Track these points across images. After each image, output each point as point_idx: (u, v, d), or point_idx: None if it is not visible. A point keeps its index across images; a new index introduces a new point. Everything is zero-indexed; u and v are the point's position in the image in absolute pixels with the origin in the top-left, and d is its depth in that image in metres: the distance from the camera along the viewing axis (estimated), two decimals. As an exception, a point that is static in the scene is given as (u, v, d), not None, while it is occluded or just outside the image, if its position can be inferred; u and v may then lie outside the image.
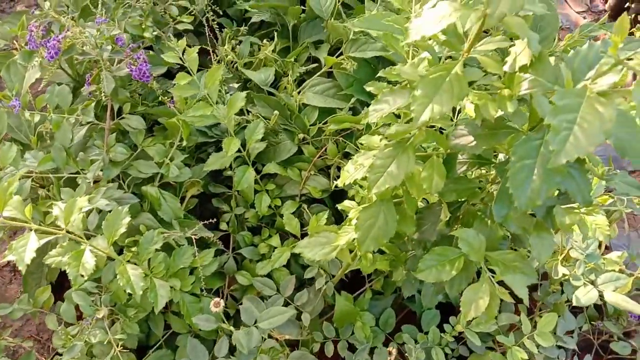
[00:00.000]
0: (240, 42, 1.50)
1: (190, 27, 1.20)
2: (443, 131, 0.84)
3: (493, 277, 0.80)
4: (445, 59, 0.82)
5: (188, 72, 1.11)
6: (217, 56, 1.44)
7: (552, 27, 1.44)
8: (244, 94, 1.16)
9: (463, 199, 0.86)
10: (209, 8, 1.23)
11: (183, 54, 1.08)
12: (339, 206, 1.00)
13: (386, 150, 0.77)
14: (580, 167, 0.70)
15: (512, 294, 0.82)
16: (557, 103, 0.56)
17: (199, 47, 1.50)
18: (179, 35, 1.24)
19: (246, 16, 1.63)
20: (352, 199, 1.19)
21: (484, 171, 0.84)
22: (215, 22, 1.38)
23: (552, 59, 0.67)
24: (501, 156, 0.82)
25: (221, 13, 1.47)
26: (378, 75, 0.87)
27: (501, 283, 0.82)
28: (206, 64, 1.47)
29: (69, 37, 0.97)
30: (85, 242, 0.92)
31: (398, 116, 0.86)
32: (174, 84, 1.09)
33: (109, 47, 1.00)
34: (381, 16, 1.08)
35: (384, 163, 0.77)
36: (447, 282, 0.85)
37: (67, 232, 0.90)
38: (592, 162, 0.70)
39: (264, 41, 1.52)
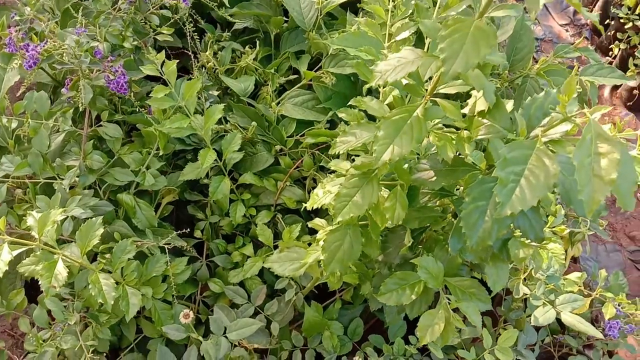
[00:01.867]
0: (223, 47, 1.51)
1: (170, 38, 1.21)
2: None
3: (450, 303, 0.84)
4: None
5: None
6: (198, 61, 1.45)
7: (528, 49, 1.48)
8: (221, 106, 1.18)
9: (426, 226, 0.89)
10: (190, 18, 1.24)
11: (162, 67, 1.09)
12: (310, 224, 1.03)
13: (352, 180, 0.80)
14: (534, 206, 0.74)
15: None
16: (506, 155, 0.59)
17: (180, 51, 1.52)
18: (160, 48, 1.25)
19: (230, 20, 1.63)
20: (326, 211, 1.22)
21: (446, 200, 0.88)
22: (198, 28, 1.39)
23: (508, 106, 0.70)
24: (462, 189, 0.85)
25: (204, 20, 1.48)
26: (349, 103, 0.90)
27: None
28: (188, 68, 1.48)
29: (47, 48, 0.98)
30: (58, 253, 0.94)
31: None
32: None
33: (87, 59, 1.01)
34: (359, 34, 1.10)
35: (349, 192, 0.80)
36: (408, 305, 0.89)
37: (41, 242, 0.92)
38: (543, 202, 0.73)
39: (247, 48, 1.53)
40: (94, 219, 0.98)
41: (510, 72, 1.43)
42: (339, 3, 1.41)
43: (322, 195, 0.88)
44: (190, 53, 1.41)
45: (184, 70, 1.56)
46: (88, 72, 1.10)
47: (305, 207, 1.38)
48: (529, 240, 0.79)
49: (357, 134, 0.78)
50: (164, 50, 1.09)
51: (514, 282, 1.21)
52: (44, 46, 0.99)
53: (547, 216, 1.00)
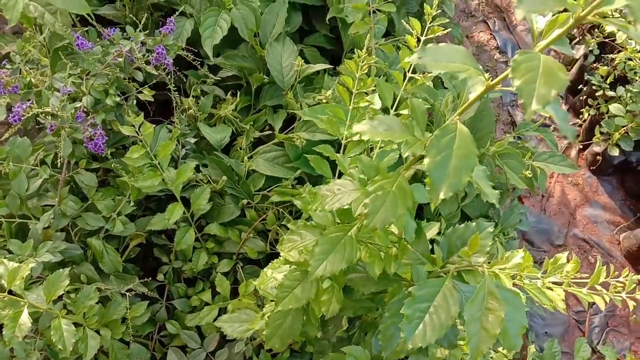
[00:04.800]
0: (206, 94, 1.59)
1: (151, 98, 1.29)
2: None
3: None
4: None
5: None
6: (180, 105, 1.53)
7: (488, 129, 1.58)
8: (193, 164, 1.26)
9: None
10: (171, 75, 1.32)
11: (139, 128, 1.17)
12: (261, 292, 1.12)
13: (294, 273, 0.89)
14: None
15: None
16: (415, 293, 0.68)
17: (166, 89, 1.59)
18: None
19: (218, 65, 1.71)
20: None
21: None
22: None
23: (431, 232, 0.80)
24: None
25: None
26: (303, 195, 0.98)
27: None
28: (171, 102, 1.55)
29: (33, 107, 1.05)
30: (25, 301, 1.02)
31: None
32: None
33: (69, 121, 1.08)
34: (329, 107, 1.19)
35: (291, 285, 0.89)
36: (338, 384, 0.98)
37: (9, 292, 1.00)
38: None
39: (228, 95, 1.62)
40: (61, 270, 1.06)
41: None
42: (316, 70, 1.50)
43: (270, 276, 0.97)
44: (172, 96, 1.48)
45: (167, 104, 1.64)
46: (70, 123, 1.18)
47: (267, 256, 1.48)
48: (445, 344, 0.89)
49: (302, 235, 0.87)
50: (142, 114, 1.17)
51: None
52: (29, 105, 1.07)
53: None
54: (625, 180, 2.46)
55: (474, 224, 0.80)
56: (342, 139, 1.02)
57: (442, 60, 0.54)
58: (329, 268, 0.76)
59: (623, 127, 2.27)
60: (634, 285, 0.78)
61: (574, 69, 2.67)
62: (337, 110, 1.00)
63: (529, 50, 0.49)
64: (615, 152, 2.29)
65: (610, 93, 2.36)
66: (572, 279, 0.80)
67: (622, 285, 0.81)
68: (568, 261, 0.84)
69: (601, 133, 2.38)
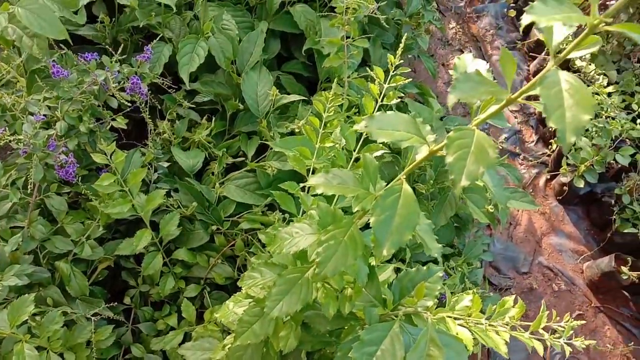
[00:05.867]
0: (182, 117, 1.61)
1: (125, 126, 1.31)
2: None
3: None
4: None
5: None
6: (155, 129, 1.55)
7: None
8: (163, 191, 1.28)
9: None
10: (146, 103, 1.35)
11: (111, 156, 1.19)
12: (224, 322, 1.14)
13: (254, 309, 0.92)
14: None
15: None
16: (363, 337, 0.72)
17: (139, 121, 1.61)
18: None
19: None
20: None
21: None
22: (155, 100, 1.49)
23: (383, 276, 0.84)
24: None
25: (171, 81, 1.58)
26: (267, 230, 1.02)
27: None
28: (145, 132, 1.58)
29: (5, 134, 1.07)
30: (-13, 326, 1.03)
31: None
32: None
33: (40, 149, 1.10)
34: (300, 140, 1.23)
35: (250, 320, 0.91)
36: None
37: (-29, 317, 1.01)
38: None
39: (203, 119, 1.65)
40: (26, 295, 1.07)
41: (436, 182, 1.58)
42: (291, 100, 1.54)
43: (231, 309, 1.00)
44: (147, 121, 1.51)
45: (143, 124, 1.66)
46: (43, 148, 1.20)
47: (235, 281, 1.51)
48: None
49: (262, 272, 0.90)
50: (114, 142, 1.19)
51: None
52: (2, 132, 1.08)
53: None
54: (590, 210, 2.55)
55: (425, 268, 0.84)
56: (308, 177, 1.05)
57: (387, 128, 0.58)
58: (285, 309, 0.79)
59: (588, 160, 2.35)
60: (571, 331, 0.83)
61: (545, 101, 2.76)
62: (303, 150, 1.04)
63: (464, 127, 0.54)
64: (580, 184, 2.36)
65: (578, 126, 2.44)
66: (517, 321, 0.85)
67: (562, 328, 0.86)
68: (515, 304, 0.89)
69: (568, 164, 2.46)
